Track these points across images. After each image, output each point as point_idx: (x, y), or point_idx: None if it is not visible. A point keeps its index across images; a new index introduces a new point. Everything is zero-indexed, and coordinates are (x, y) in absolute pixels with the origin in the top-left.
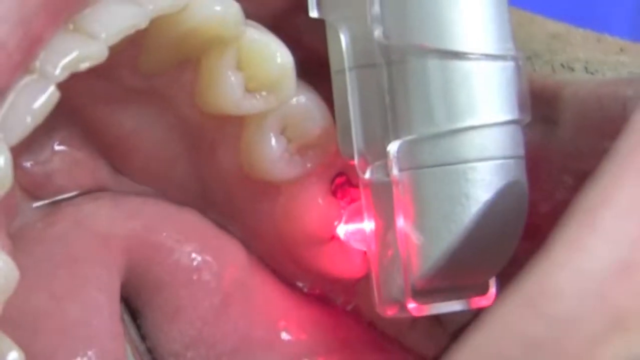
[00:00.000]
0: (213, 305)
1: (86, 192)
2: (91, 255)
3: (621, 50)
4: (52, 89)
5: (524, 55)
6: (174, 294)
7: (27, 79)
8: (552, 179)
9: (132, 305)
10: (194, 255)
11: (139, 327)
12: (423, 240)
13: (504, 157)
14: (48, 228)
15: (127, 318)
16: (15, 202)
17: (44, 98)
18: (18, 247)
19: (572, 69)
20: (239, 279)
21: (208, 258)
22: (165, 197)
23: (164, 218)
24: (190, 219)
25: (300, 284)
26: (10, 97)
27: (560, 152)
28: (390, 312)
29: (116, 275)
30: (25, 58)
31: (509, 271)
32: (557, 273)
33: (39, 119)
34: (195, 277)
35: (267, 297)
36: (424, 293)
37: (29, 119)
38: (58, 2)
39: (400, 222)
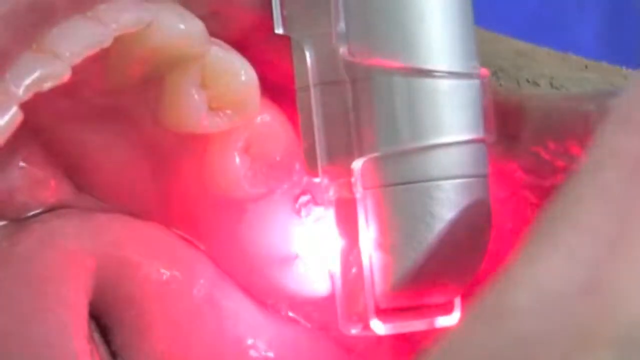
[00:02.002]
0: (183, 321)
1: (50, 210)
2: (58, 274)
3: (586, 67)
4: (15, 109)
5: (489, 72)
6: (144, 310)
7: None
8: (514, 195)
9: (102, 322)
10: (163, 270)
11: (109, 344)
12: (387, 259)
13: (469, 176)
14: (13, 247)
15: (97, 336)
16: None
17: (7, 118)
18: None
19: (538, 84)
20: (208, 294)
21: (177, 273)
22: (130, 214)
23: (132, 234)
24: (158, 235)
25: (269, 302)
26: None
27: (521, 167)
28: (354, 330)
29: (83, 293)
30: None
31: (474, 290)
32: (518, 290)
33: (2, 139)
34: (164, 292)
35: (236, 313)
36: (387, 312)
37: None
38: (23, 19)
39: (364, 240)
